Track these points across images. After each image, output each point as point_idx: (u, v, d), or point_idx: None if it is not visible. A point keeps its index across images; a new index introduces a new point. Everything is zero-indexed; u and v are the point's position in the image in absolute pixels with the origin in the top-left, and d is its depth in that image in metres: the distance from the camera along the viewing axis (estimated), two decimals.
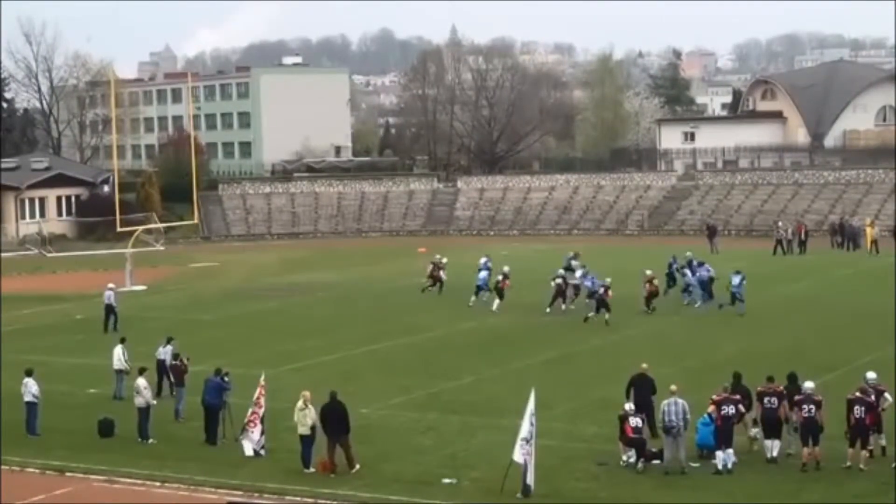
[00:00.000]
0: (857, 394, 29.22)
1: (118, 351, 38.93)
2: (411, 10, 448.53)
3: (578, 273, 57.75)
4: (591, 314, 52.26)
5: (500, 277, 57.41)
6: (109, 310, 53.23)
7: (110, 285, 55.08)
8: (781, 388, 30.06)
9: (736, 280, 53.34)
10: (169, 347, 38.04)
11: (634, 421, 29.55)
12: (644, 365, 32.83)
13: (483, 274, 58.97)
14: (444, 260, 64.68)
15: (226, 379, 33.17)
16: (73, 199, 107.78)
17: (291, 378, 39.53)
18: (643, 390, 31.67)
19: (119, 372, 38.64)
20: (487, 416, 34.83)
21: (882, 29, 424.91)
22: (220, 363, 36.07)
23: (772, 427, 29.62)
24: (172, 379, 36.68)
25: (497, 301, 56.69)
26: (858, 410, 28.78)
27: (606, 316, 51.64)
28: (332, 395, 30.28)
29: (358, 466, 29.60)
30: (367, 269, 76.08)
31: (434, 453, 31.41)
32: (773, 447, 29.57)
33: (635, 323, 51.98)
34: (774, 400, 29.62)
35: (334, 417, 29.73)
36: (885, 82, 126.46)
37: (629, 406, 30.13)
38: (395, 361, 44.89)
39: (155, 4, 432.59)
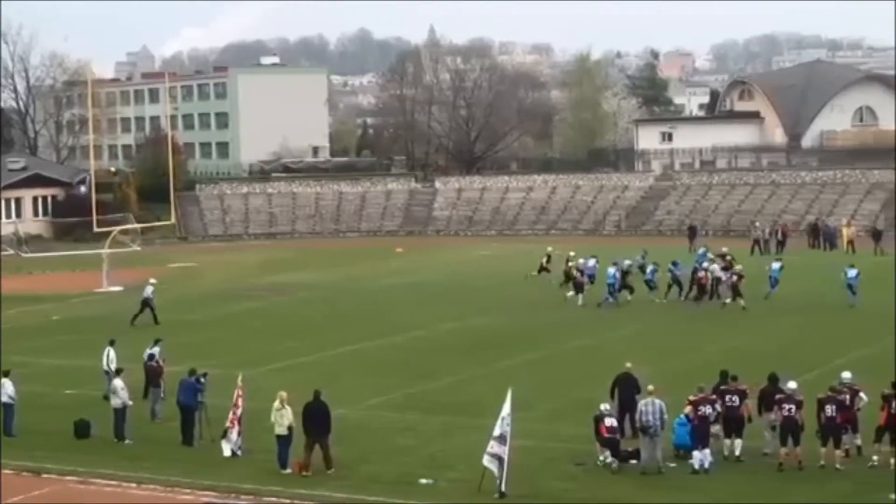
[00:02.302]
0: (829, 393, 29.35)
1: (107, 352, 38.73)
2: (389, 11, 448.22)
3: (649, 268, 58.94)
4: (727, 300, 55.02)
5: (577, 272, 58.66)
6: (145, 304, 54.48)
7: (152, 280, 56.65)
8: (744, 387, 30.25)
9: (852, 273, 55.26)
10: (157, 349, 37.84)
11: (609, 421, 29.55)
12: (628, 364, 32.84)
13: (611, 270, 57.98)
14: (572, 253, 64.49)
15: (201, 380, 33.08)
16: (49, 199, 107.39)
17: (272, 379, 39.41)
18: (627, 389, 31.65)
19: (107, 373, 38.43)
20: (467, 417, 34.82)
21: (859, 29, 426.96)
22: (201, 364, 35.98)
23: (732, 426, 29.73)
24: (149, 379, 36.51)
25: (574, 293, 57.64)
26: (830, 409, 28.93)
27: (742, 302, 54.20)
28: (316, 393, 30.24)
29: (333, 469, 29.54)
30: (347, 270, 75.96)
31: (413, 454, 31.38)
32: (737, 446, 29.68)
33: (618, 323, 52.10)
34: (736, 398, 29.81)
35: (317, 416, 29.68)
36: (862, 83, 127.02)
37: (605, 406, 30.09)
38: (375, 362, 44.86)
39: (132, 4, 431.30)
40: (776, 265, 59.06)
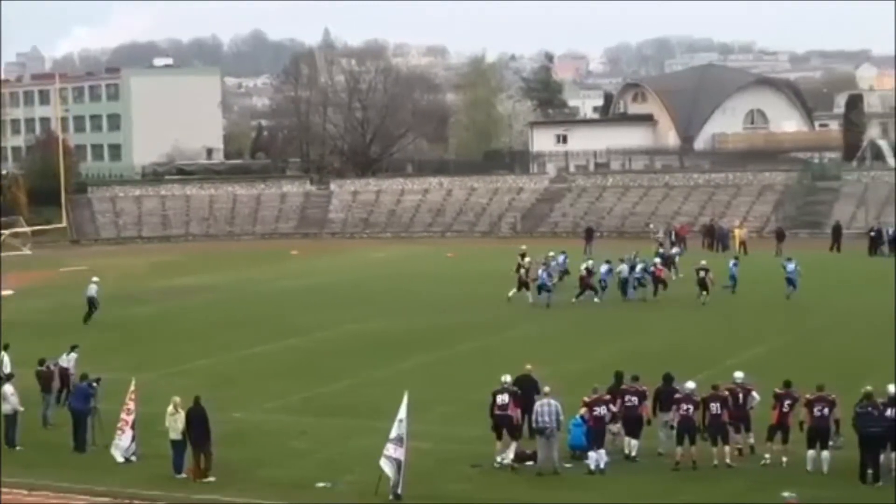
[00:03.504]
0: (711, 391, 29.68)
1: (1, 358, 38.02)
2: (284, 12, 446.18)
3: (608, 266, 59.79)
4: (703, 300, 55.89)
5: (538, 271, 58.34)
6: (91, 302, 55.04)
7: (94, 279, 57.05)
8: (644, 388, 30.45)
9: (791, 266, 57.42)
10: (73, 355, 37.30)
11: (501, 398, 29.71)
12: (528, 366, 32.89)
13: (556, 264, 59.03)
14: (551, 253, 63.55)
15: (94, 385, 32.64)
16: None
17: (166, 383, 38.89)
18: (527, 391, 31.62)
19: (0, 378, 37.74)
20: (364, 419, 34.67)
21: (750, 33, 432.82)
22: (94, 369, 35.40)
23: (631, 426, 29.97)
24: (40, 386, 35.93)
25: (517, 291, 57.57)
26: (714, 407, 29.30)
27: (702, 299, 55.87)
28: (196, 399, 29.91)
29: (213, 479, 29.13)
30: (242, 273, 75.40)
31: (309, 457, 31.24)
32: (632, 446, 29.91)
33: (516, 324, 52.24)
34: (635, 399, 30.05)
35: (196, 423, 29.39)
36: (753, 86, 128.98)
37: (506, 378, 30.37)
38: (271, 365, 44.54)
39: (22, 4, 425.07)
40: (731, 262, 60.21)
